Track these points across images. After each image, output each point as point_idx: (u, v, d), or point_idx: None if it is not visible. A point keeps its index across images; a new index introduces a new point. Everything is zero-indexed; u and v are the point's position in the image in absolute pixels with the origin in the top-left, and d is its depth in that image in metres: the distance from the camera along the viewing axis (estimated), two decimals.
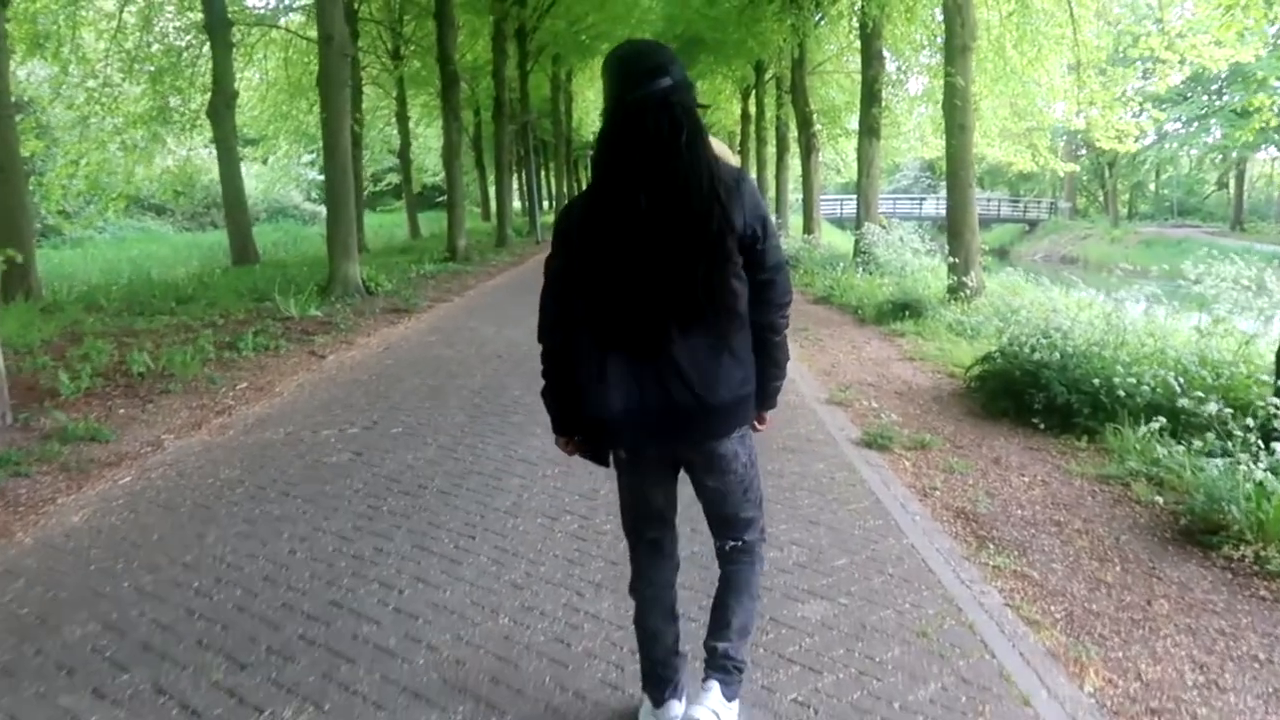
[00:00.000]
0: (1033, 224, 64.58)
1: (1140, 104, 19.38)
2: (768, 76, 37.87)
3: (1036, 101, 23.53)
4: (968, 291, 15.27)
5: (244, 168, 46.12)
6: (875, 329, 14.67)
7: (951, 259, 15.39)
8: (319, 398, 9.47)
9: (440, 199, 45.09)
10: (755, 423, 3.57)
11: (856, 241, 22.59)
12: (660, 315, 3.13)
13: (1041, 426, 8.37)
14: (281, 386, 10.06)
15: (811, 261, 23.31)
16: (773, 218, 3.52)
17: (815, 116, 29.89)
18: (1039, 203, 69.45)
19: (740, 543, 3.59)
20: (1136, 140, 20.95)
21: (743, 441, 3.42)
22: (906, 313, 14.74)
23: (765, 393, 3.50)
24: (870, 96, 22.47)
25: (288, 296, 14.76)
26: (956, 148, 15.98)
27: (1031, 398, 8.59)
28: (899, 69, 27.47)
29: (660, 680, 3.65)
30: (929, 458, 7.60)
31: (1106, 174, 60.32)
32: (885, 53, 23.61)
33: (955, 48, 15.84)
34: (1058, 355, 8.71)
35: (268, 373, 10.72)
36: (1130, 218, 62.50)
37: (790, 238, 32.01)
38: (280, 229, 43.16)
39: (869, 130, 22.68)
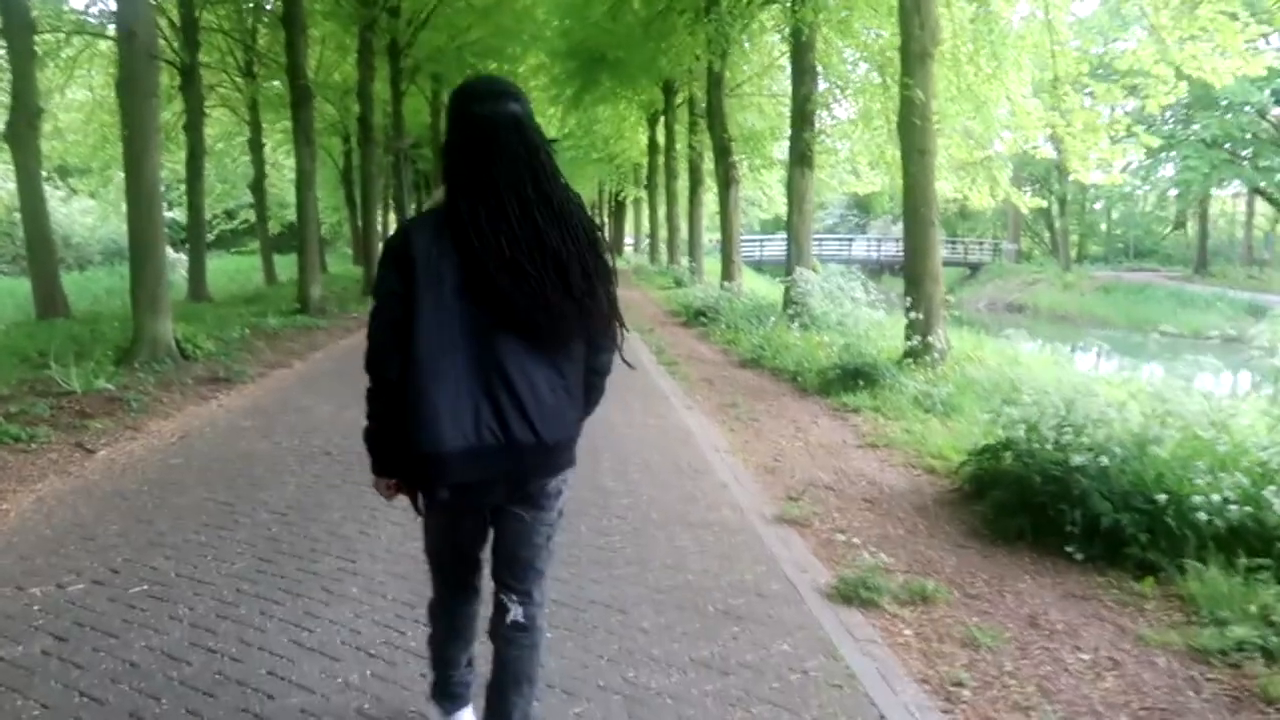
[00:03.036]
0: (974, 268, 63.69)
1: (1127, 127, 17.68)
2: (679, 100, 36.59)
3: (995, 125, 21.95)
4: (934, 355, 13.52)
5: (75, 203, 44.15)
6: (821, 402, 12.93)
7: (911, 314, 13.57)
8: (56, 522, 7.24)
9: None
10: None
11: (787, 290, 20.83)
12: (507, 330, 3.29)
13: (1079, 557, 6.52)
14: (13, 501, 7.81)
15: (733, 314, 21.56)
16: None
17: (734, 144, 28.16)
18: (980, 244, 68.80)
19: (522, 601, 3.65)
20: (1123, 170, 19.32)
21: (566, 483, 3.62)
22: (859, 381, 12.96)
23: None
24: (802, 118, 20.99)
25: (69, 365, 12.49)
26: (916, 176, 14.28)
27: (1061, 515, 6.75)
28: (830, 88, 25.97)
29: (453, 696, 4.04)
30: (937, 620, 5.67)
31: (1055, 212, 59.57)
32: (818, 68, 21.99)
33: (913, 54, 14.14)
34: (1097, 456, 6.82)
35: (3, 478, 8.46)
36: (1080, 260, 61.87)
37: (706, 284, 30.37)
38: (116, 273, 40.45)
39: (800, 158, 21.21)
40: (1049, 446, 7.26)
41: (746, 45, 28.62)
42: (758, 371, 15.69)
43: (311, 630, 5.25)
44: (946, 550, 6.96)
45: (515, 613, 3.64)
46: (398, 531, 6.90)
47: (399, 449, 3.39)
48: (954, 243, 69.62)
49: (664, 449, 9.91)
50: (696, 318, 23.22)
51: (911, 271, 14.56)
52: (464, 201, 3.30)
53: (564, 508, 3.68)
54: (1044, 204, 27.28)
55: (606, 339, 3.56)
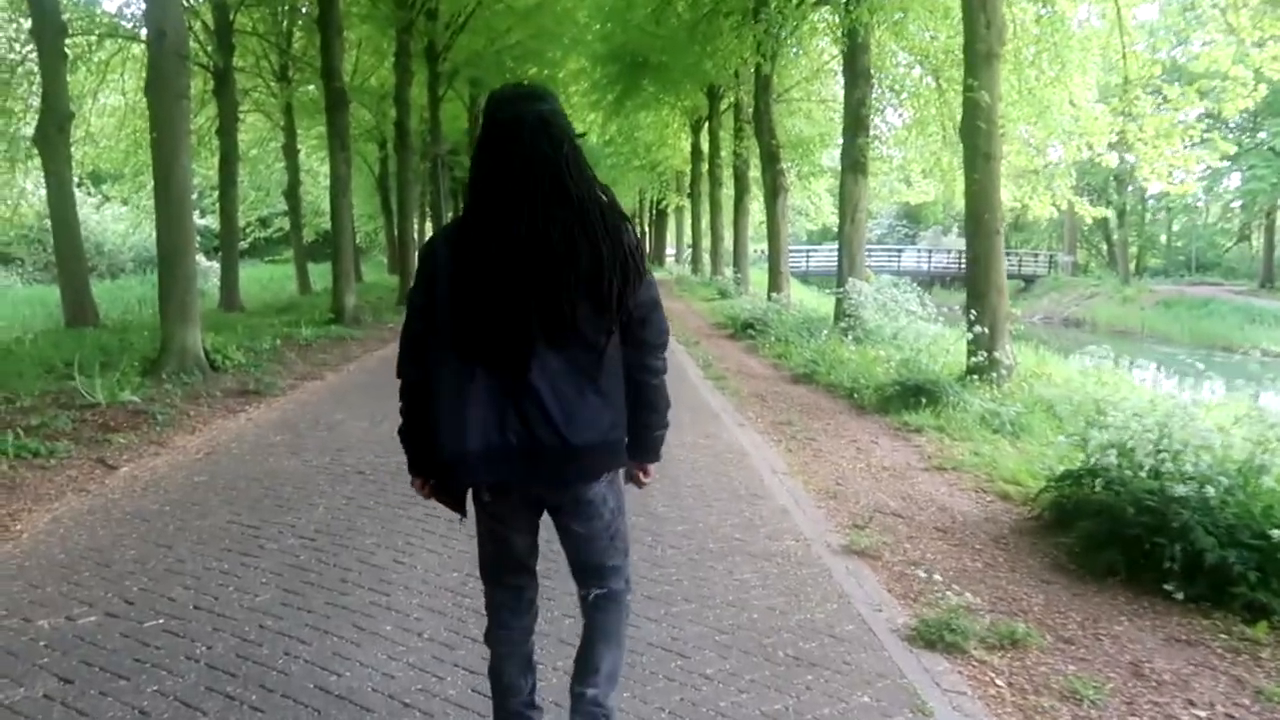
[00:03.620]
0: (1029, 280, 62.81)
1: (1201, 133, 17.08)
2: (724, 106, 36.18)
3: (1058, 130, 21.40)
4: (1000, 371, 13.04)
5: (107, 209, 44.12)
6: (880, 420, 12.44)
7: (976, 327, 13.06)
8: (71, 546, 6.88)
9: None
10: (639, 475, 3.82)
11: (839, 302, 20.36)
12: (530, 332, 3.30)
13: (1179, 596, 6.04)
14: (28, 521, 7.48)
15: (783, 326, 21.08)
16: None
17: (782, 151, 27.70)
18: (1035, 256, 67.97)
19: (605, 591, 3.77)
20: (1200, 179, 18.72)
21: (611, 486, 3.65)
22: (920, 399, 12.48)
23: (645, 444, 3.71)
24: (856, 124, 20.43)
25: (94, 376, 12.19)
26: (980, 183, 13.75)
27: (1159, 550, 6.25)
28: (882, 92, 25.48)
29: None
30: (1030, 668, 5.21)
31: (1112, 224, 58.73)
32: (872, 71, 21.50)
33: (978, 54, 13.64)
34: (1201, 486, 6.34)
35: (18, 495, 8.16)
36: (1139, 273, 60.95)
37: (752, 296, 29.93)
38: (148, 281, 40.37)
39: (854, 165, 20.61)
40: (1143, 474, 6.80)
41: (794, 51, 28.19)
42: (811, 387, 15.22)
43: (340, 674, 4.85)
44: (1032, 586, 6.50)
45: (596, 594, 3.79)
46: (434, 560, 6.52)
47: (429, 450, 3.46)
48: (1008, 254, 68.87)
49: (718, 471, 9.47)
50: (744, 330, 22.77)
51: (975, 283, 14.04)
52: (480, 206, 3.38)
53: (621, 503, 3.73)
54: (1108, 213, 26.63)
55: (642, 332, 3.55)
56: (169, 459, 9.66)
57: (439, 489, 3.63)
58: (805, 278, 56.38)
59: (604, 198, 3.44)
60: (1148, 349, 38.17)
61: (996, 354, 13.20)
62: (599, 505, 3.60)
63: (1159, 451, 6.88)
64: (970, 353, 13.49)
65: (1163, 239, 67.84)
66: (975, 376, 12.99)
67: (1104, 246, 66.84)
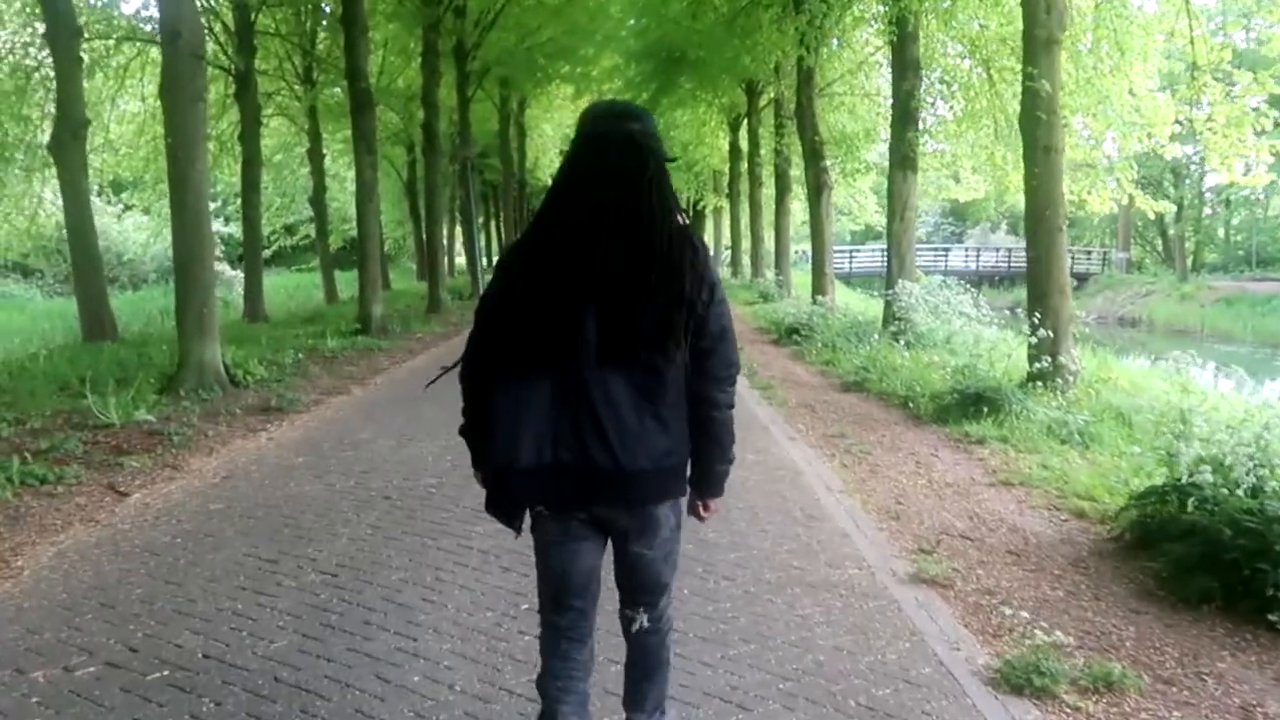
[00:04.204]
0: (1081, 278, 61.87)
1: (1274, 120, 16.47)
2: (763, 102, 35.75)
3: (1117, 121, 20.89)
4: (1066, 377, 12.62)
5: (129, 219, 44.03)
6: (939, 431, 11.99)
7: (1041, 331, 12.61)
8: (74, 584, 6.53)
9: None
10: (699, 509, 3.86)
11: (888, 305, 19.90)
12: (590, 352, 3.36)
13: None
14: (30, 556, 7.14)
15: (829, 331, 20.61)
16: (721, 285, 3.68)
17: (825, 147, 27.27)
18: (1088, 254, 67.25)
19: (649, 620, 3.84)
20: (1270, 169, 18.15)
21: (674, 508, 3.66)
22: (980, 408, 12.06)
23: (708, 478, 3.77)
24: (904, 117, 19.99)
25: (107, 394, 11.90)
26: (1040, 176, 13.38)
27: (1261, 577, 5.84)
28: (930, 84, 25.00)
29: None
30: (1130, 715, 4.81)
31: (1167, 218, 57.94)
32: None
33: (1037, 40, 13.25)
34: None
35: (22, 527, 7.83)
36: (1196, 270, 60.09)
37: (795, 299, 29.50)
38: (170, 293, 40.26)
39: (902, 160, 20.15)
40: (1240, 491, 6.36)
41: (835, 43, 27.76)
42: (862, 396, 14.80)
43: None
44: (1120, 617, 6.06)
45: (641, 620, 3.85)
46: (466, 599, 6.15)
47: (483, 456, 3.57)
48: None
49: (770, 490, 9.07)
50: (788, 335, 22.32)
51: (1036, 283, 13.66)
52: (554, 218, 3.46)
53: (680, 520, 3.75)
54: (1171, 207, 26.06)
55: (709, 363, 3.57)
56: (184, 484, 9.34)
57: (490, 502, 3.65)
58: (848, 279, 55.90)
59: (678, 224, 3.48)
60: (1209, 348, 37.52)
61: (1061, 358, 12.81)
62: (660, 527, 3.64)
63: (1258, 466, 6.45)
64: (1032, 357, 13.02)
65: (1221, 233, 66.84)
66: (1038, 383, 12.53)
67: (1159, 242, 66.03)
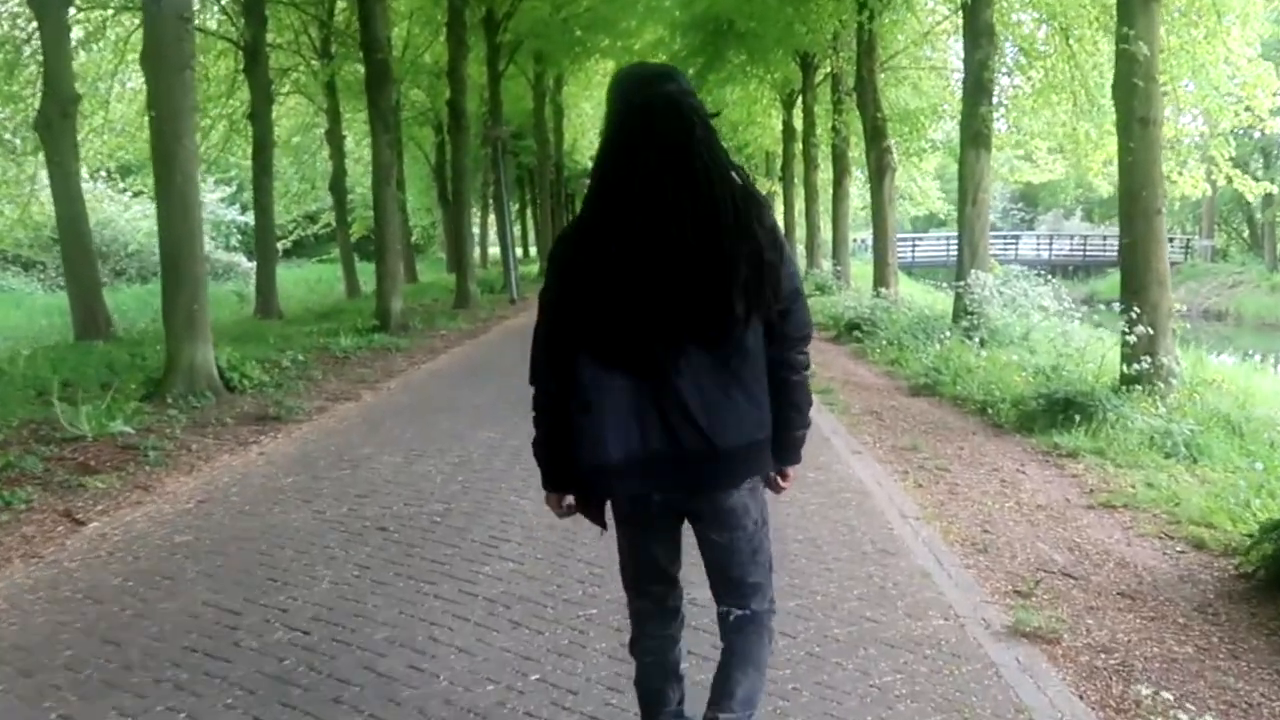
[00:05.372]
0: None
1: None
2: (819, 78, 34.86)
3: (1215, 93, 19.97)
4: (1167, 380, 11.79)
5: (137, 206, 43.51)
6: (1023, 442, 11.18)
7: (1139, 328, 11.73)
8: None
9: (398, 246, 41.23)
10: (778, 479, 3.86)
11: (959, 297, 19.01)
12: (668, 331, 3.36)
13: None
14: None
15: (894, 327, 19.78)
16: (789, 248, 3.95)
17: (888, 126, 26.42)
18: (1169, 240, 65.96)
19: (746, 612, 3.79)
20: None
21: (754, 495, 3.68)
22: (1071, 415, 11.21)
23: (786, 444, 3.73)
24: (977, 89, 19.04)
25: (78, 402, 11.17)
26: (1137, 152, 12.54)
27: None
28: (1003, 56, 24.19)
29: None
30: None
31: (1255, 203, 56.67)
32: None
33: None
34: None
35: None
36: None
37: (855, 291, 28.61)
38: None
39: (975, 138, 19.24)
40: None
41: (899, 10, 26.97)
42: (933, 400, 13.98)
43: None
44: (1267, 682, 5.25)
45: (736, 615, 3.80)
46: (464, 666, 5.27)
47: (567, 462, 3.54)
48: None
49: (834, 517, 8.18)
50: (849, 331, 21.45)
51: (1131, 274, 12.86)
52: (608, 197, 3.43)
53: (764, 514, 3.76)
54: (1274, 189, 25.11)
55: (785, 325, 3.55)
56: (152, 510, 8.54)
57: (580, 503, 3.68)
58: (909, 270, 54.83)
59: (739, 182, 3.44)
60: None
61: (1162, 358, 11.93)
62: (741, 515, 3.63)
63: None
64: (1127, 357, 12.18)
65: None
66: (1135, 387, 11.72)
67: (1244, 229, 64.70)
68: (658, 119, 3.38)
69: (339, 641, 5.65)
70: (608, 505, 3.69)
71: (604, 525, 3.69)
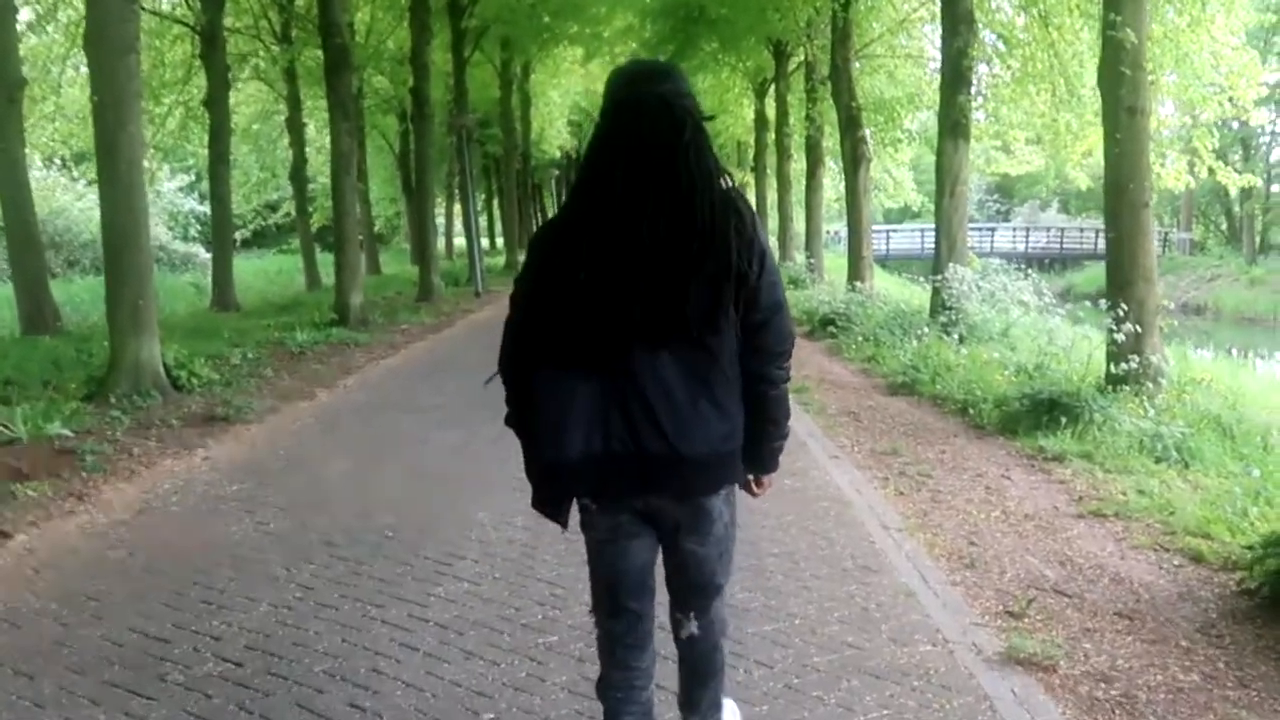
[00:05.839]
0: None
1: None
2: (792, 66, 34.64)
3: (1199, 83, 19.79)
4: (1156, 379, 11.66)
5: (92, 195, 42.95)
6: (1007, 445, 10.87)
7: (1127, 325, 11.49)
8: None
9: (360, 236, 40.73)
10: (753, 486, 3.89)
11: (936, 292, 18.74)
12: (634, 333, 3.36)
13: None
14: None
15: (869, 322, 19.50)
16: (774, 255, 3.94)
17: (863, 115, 26.27)
18: None
19: (699, 627, 3.84)
20: None
21: (727, 500, 3.71)
22: (1056, 416, 10.91)
23: (761, 456, 3.76)
24: (956, 78, 18.81)
25: (14, 404, 10.77)
26: (1123, 143, 12.30)
27: None
28: (981, 43, 23.99)
29: None
30: None
31: (1233, 195, 56.69)
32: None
33: None
34: None
35: None
36: (1264, 251, 58.84)
37: (829, 285, 28.38)
38: None
39: (953, 128, 18.97)
40: None
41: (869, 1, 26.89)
42: (912, 400, 13.71)
43: None
44: (1279, 713, 4.93)
45: (691, 628, 3.85)
46: (411, 704, 4.89)
47: (530, 455, 3.56)
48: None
49: (812, 529, 7.83)
50: (823, 327, 21.21)
51: (1117, 269, 12.63)
52: (588, 191, 3.45)
53: (734, 516, 3.78)
54: (1257, 181, 25.07)
55: (763, 338, 3.55)
56: (85, 521, 8.13)
57: (537, 498, 3.64)
58: (884, 262, 54.70)
59: (721, 189, 3.44)
60: None
61: (1150, 357, 11.76)
62: (715, 520, 3.64)
63: None
64: (1113, 355, 12.01)
65: None
66: (1122, 387, 11.52)
67: (1223, 221, 64.77)
68: (647, 118, 3.37)
69: (274, 675, 5.25)
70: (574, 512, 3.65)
71: (564, 524, 3.63)
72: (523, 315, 3.53)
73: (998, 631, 5.89)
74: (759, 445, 3.69)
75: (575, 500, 3.61)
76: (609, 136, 3.45)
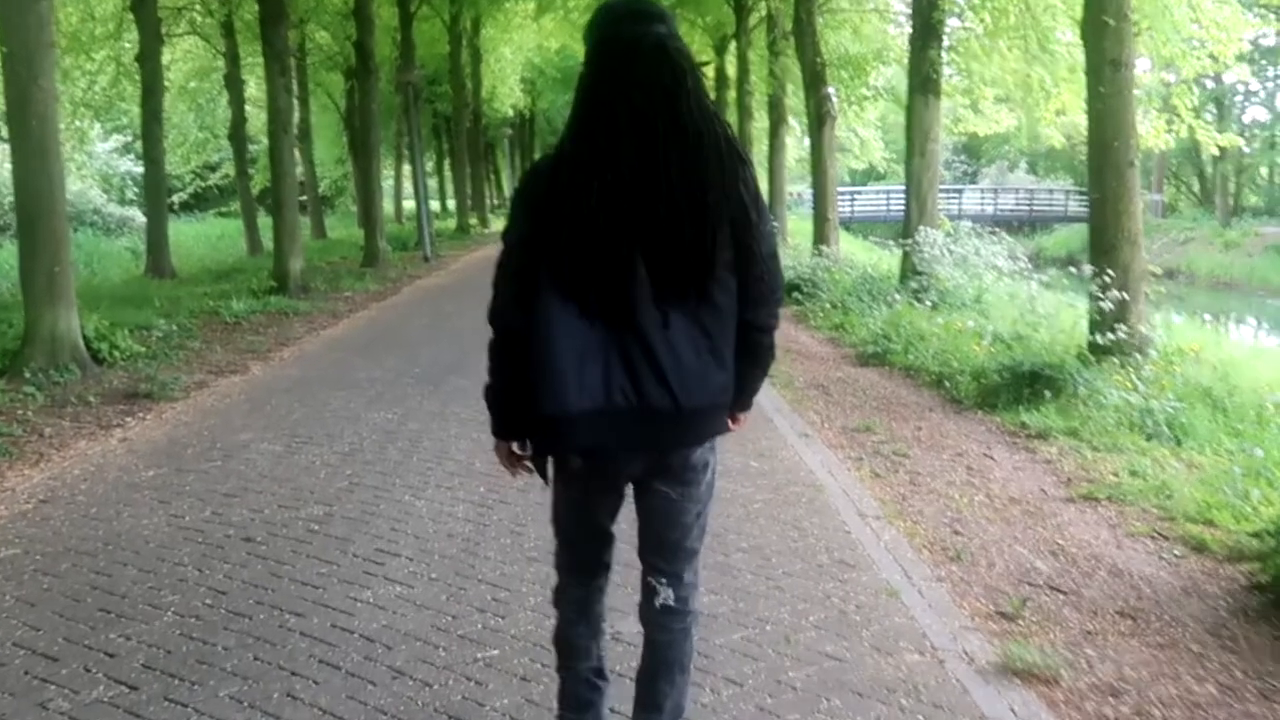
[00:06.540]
0: None
1: None
2: (753, 21, 34.34)
3: (1178, 39, 19.44)
4: (1145, 350, 11.34)
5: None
6: (987, 421, 10.55)
7: (1112, 292, 11.13)
8: None
9: (304, 198, 40.27)
10: (730, 422, 3.76)
11: (907, 256, 18.40)
12: (646, 282, 3.30)
13: None
14: None
15: (837, 289, 19.20)
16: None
17: (828, 71, 26.00)
18: None
19: (675, 598, 3.77)
20: None
21: (713, 450, 3.72)
22: (1040, 390, 10.61)
23: (741, 392, 3.68)
24: (926, 31, 18.63)
25: None
26: (1108, 99, 12.00)
27: None
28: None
29: (582, 704, 3.92)
30: None
31: (1205, 157, 56.57)
32: None
33: None
34: None
35: None
36: (1237, 214, 58.87)
37: (794, 249, 28.05)
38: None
39: (924, 84, 18.90)
40: None
41: None
42: (884, 371, 13.39)
43: None
44: None
45: (665, 596, 3.78)
46: None
47: (522, 409, 3.48)
48: (1085, 194, 67.23)
49: (783, 518, 7.35)
50: (789, 294, 20.70)
51: (1101, 232, 12.34)
52: (587, 137, 3.34)
53: (714, 479, 3.78)
54: (1239, 141, 24.92)
55: (761, 288, 3.52)
56: None
57: (530, 456, 3.63)
58: (848, 225, 54.45)
59: (725, 134, 3.39)
60: (1262, 304, 36.31)
61: (1137, 326, 11.51)
62: (700, 471, 3.65)
63: None
64: (1096, 324, 11.77)
65: (1264, 172, 65.49)
66: (1107, 358, 11.20)
67: (1195, 184, 64.77)
68: (641, 62, 3.30)
69: (171, 701, 4.67)
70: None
71: (547, 479, 3.62)
72: (526, 256, 3.41)
73: (990, 636, 5.48)
74: (745, 386, 3.67)
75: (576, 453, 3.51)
76: (600, 80, 3.36)
